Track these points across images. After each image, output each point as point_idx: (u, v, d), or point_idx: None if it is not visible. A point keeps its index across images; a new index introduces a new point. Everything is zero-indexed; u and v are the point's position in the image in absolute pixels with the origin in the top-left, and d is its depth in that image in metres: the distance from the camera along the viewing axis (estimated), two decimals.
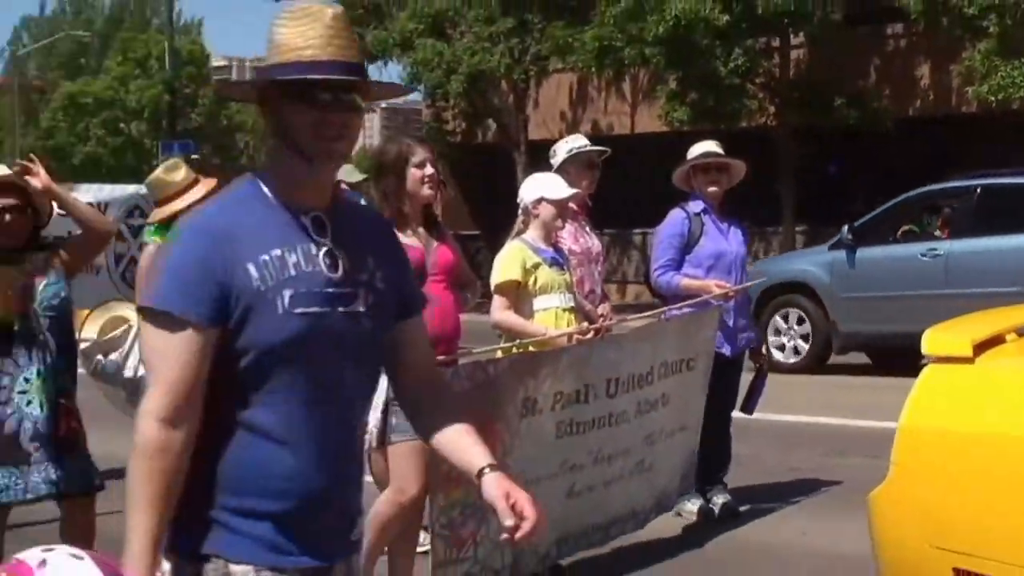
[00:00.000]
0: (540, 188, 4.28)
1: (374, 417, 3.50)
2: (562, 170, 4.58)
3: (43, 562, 1.58)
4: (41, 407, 3.69)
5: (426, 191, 3.72)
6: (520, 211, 4.31)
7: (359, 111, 1.72)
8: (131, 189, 6.01)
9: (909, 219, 10.38)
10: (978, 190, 9.25)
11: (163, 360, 1.63)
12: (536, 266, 4.17)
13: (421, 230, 3.77)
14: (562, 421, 3.89)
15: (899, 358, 7.72)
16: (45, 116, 38.10)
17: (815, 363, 9.66)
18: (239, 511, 1.67)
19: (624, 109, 19.87)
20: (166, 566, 1.86)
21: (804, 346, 9.71)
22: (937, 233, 10.06)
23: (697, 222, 4.98)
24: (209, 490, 1.66)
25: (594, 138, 6.28)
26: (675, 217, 5.02)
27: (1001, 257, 8.67)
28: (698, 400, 4.58)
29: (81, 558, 1.61)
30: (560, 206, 4.23)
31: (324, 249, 1.69)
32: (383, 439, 3.59)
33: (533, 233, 4.26)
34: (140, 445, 1.63)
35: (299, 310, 1.65)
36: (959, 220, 9.55)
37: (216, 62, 46.25)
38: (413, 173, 3.67)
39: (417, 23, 18.85)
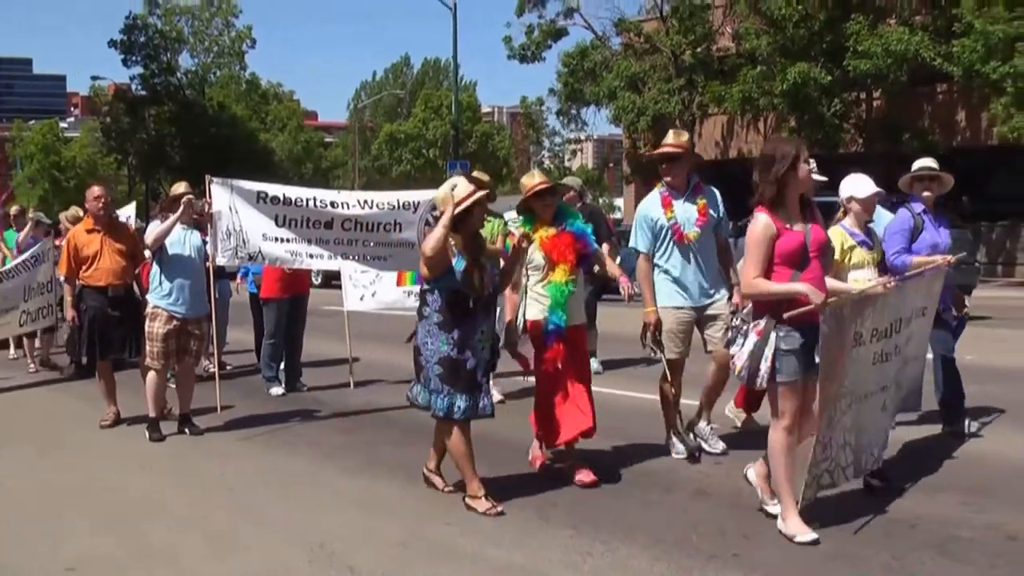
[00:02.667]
0: (851, 188, 4.32)
1: (764, 363, 3.56)
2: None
3: None
4: (487, 351, 4.20)
5: (809, 181, 3.75)
6: (840, 204, 4.41)
7: None
8: (430, 193, 6.28)
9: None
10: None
11: None
12: (852, 248, 4.26)
13: (799, 222, 3.66)
14: (876, 352, 3.85)
15: None
16: (374, 146, 43.75)
17: None
18: None
19: (759, 140, 22.31)
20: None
21: None
22: None
23: (918, 219, 4.99)
24: None
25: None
26: (903, 215, 5.04)
27: None
28: (926, 339, 4.47)
29: None
30: (866, 201, 4.25)
31: None
32: (773, 377, 3.58)
33: (849, 221, 4.31)
34: None
35: None
36: None
37: (485, 109, 51.89)
38: (803, 167, 3.64)
39: (619, 81, 23.08)
